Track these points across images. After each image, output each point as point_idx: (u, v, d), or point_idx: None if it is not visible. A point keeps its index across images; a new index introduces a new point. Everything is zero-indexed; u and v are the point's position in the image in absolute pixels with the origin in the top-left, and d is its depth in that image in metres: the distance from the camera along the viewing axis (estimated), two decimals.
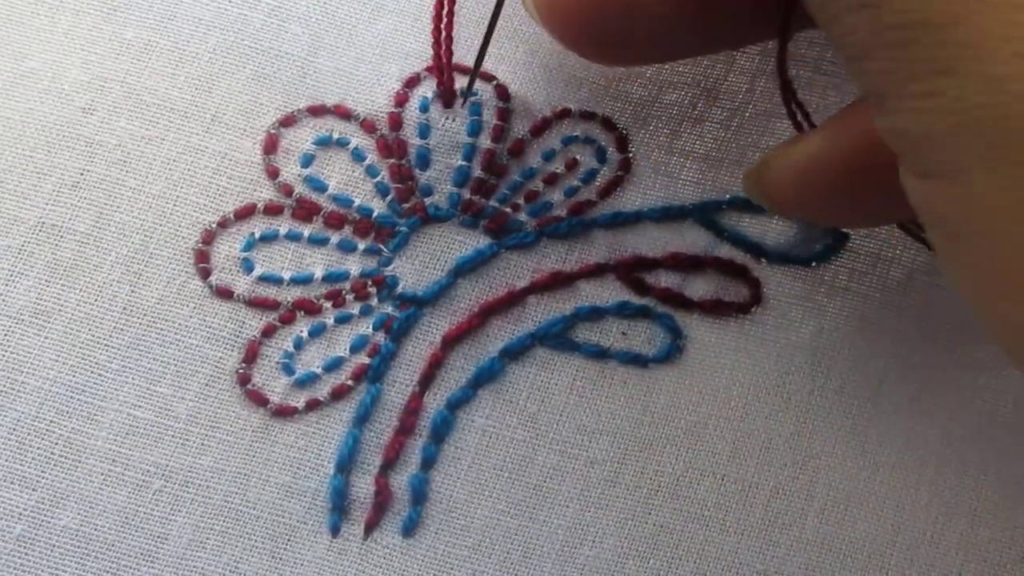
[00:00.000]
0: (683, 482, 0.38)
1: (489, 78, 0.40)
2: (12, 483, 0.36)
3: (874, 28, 0.25)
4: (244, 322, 0.38)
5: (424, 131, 0.39)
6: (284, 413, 0.37)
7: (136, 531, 0.36)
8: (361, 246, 0.39)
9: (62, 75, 0.38)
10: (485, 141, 0.39)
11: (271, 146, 0.38)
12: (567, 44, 0.37)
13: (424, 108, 0.39)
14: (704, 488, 0.39)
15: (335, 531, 0.37)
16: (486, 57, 0.39)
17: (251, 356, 0.37)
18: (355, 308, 0.38)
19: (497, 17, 0.37)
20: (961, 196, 0.24)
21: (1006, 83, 0.23)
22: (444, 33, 0.38)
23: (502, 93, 0.40)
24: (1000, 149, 0.23)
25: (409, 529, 0.37)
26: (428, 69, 0.39)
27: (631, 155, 0.40)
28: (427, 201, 0.39)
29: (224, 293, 0.38)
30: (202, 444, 0.37)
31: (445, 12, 0.38)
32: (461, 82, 0.39)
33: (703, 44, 0.36)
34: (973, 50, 0.23)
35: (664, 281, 0.40)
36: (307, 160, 0.39)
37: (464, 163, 0.39)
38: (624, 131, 0.40)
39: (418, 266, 0.39)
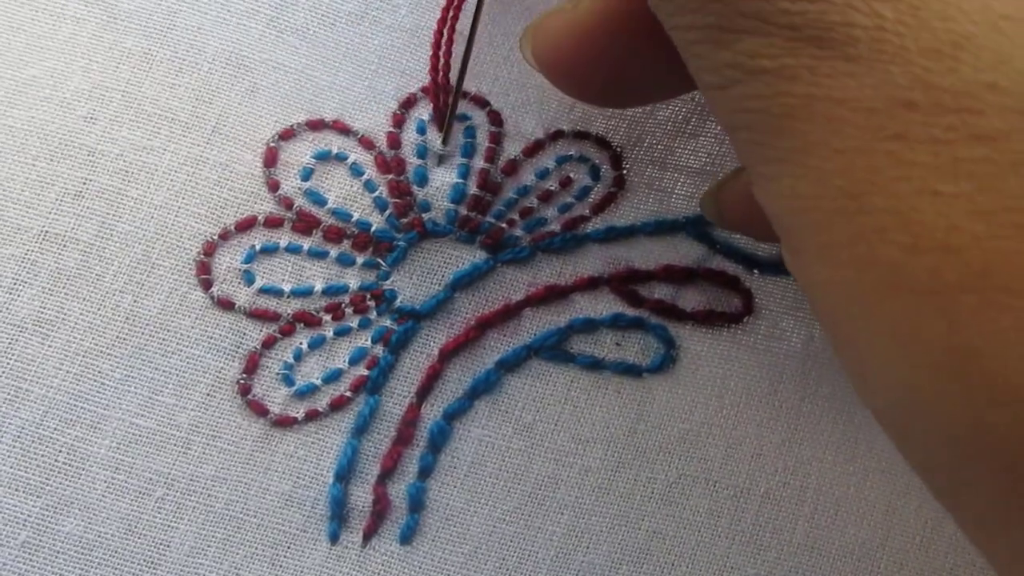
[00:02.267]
0: (676, 489, 0.39)
1: (483, 103, 0.40)
2: (16, 490, 0.36)
3: (728, 110, 0.26)
4: (245, 333, 0.38)
5: (422, 151, 0.39)
6: (284, 423, 0.38)
7: (139, 538, 0.36)
8: (360, 260, 0.39)
9: (63, 83, 0.38)
10: (479, 162, 0.40)
11: (271, 159, 0.39)
12: (566, 92, 0.37)
13: (421, 130, 0.39)
14: (696, 495, 0.39)
15: (334, 539, 0.37)
16: (479, 77, 0.39)
17: (252, 367, 0.38)
18: (354, 321, 0.39)
19: (472, 42, 0.38)
20: (802, 273, 0.26)
21: (831, 177, 0.24)
22: (443, 60, 0.39)
23: (495, 119, 0.40)
24: (826, 236, 0.24)
25: (407, 537, 0.38)
26: (424, 90, 0.40)
27: (625, 172, 0.41)
28: (425, 216, 0.39)
29: (225, 304, 0.38)
30: (203, 453, 0.37)
31: (445, 37, 0.39)
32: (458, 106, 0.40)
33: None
34: (802, 142, 0.24)
35: (658, 293, 0.40)
36: (307, 174, 0.39)
37: (460, 181, 0.39)
38: (619, 149, 0.41)
39: (416, 280, 0.39)
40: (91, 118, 0.38)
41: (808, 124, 0.24)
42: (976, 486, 0.24)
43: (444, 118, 0.39)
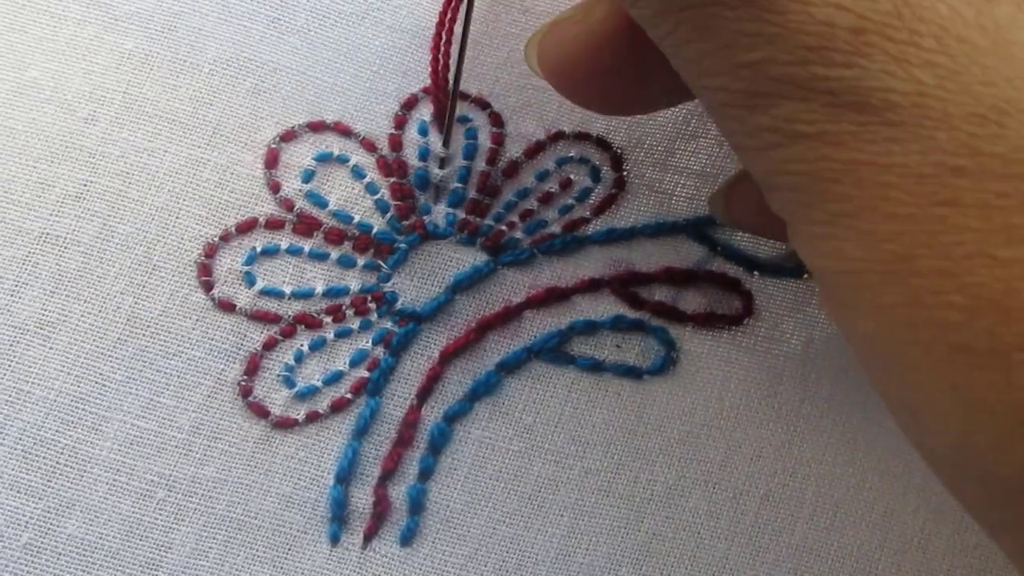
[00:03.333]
0: (675, 491, 0.39)
1: (484, 105, 0.40)
2: (18, 492, 0.36)
3: (767, 171, 0.26)
4: (246, 335, 0.38)
5: (424, 153, 0.40)
6: (285, 425, 0.38)
7: (140, 540, 0.37)
8: (360, 262, 0.39)
9: (64, 85, 0.38)
10: (480, 164, 0.40)
11: (272, 160, 0.39)
12: (575, 102, 0.37)
13: (423, 132, 0.40)
14: (696, 497, 0.39)
15: (335, 540, 0.38)
16: (479, 79, 0.39)
17: (252, 369, 0.38)
18: (355, 323, 0.39)
19: (465, 43, 0.38)
20: (847, 323, 0.27)
21: (882, 242, 0.24)
22: (442, 62, 0.39)
23: (496, 120, 0.40)
24: (880, 297, 0.25)
25: (407, 538, 0.38)
26: (425, 90, 0.40)
27: (626, 173, 0.41)
28: (426, 219, 0.39)
29: (226, 306, 0.38)
30: (204, 455, 0.37)
31: (444, 40, 0.39)
32: (459, 108, 0.40)
33: None
34: (850, 206, 0.25)
35: (658, 295, 0.40)
36: (308, 176, 0.39)
37: (459, 185, 0.40)
38: (619, 150, 0.41)
39: (417, 282, 0.39)
40: (92, 120, 0.38)
41: (856, 189, 0.24)
42: None
43: (445, 119, 0.39)
